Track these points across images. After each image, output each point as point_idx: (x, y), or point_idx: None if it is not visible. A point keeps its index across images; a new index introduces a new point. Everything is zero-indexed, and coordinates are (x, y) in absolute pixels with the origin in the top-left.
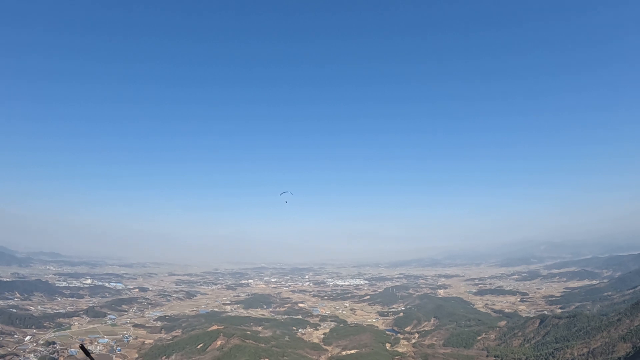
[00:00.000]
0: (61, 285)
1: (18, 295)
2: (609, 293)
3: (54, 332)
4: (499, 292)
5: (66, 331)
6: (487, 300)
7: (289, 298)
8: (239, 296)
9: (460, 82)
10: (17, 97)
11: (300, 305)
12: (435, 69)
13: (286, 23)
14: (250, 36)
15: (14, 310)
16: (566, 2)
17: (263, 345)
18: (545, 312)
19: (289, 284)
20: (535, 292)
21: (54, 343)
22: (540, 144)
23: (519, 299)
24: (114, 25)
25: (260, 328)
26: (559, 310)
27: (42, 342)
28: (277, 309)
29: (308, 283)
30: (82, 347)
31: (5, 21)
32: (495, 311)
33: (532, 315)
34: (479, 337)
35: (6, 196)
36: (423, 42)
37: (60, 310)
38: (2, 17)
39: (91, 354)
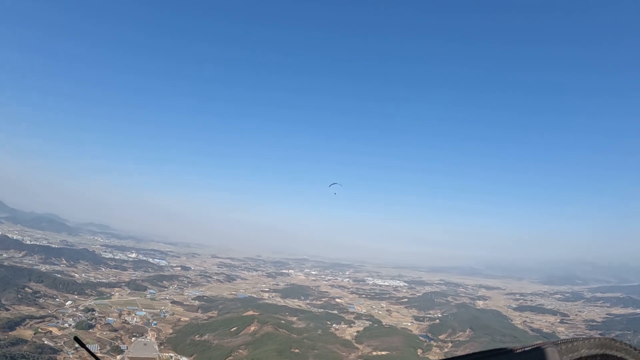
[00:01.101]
0: (106, 257)
1: (64, 261)
2: None
3: (94, 299)
4: (539, 310)
5: (106, 300)
6: (526, 317)
7: (326, 292)
8: (277, 285)
9: (529, 95)
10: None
11: (337, 300)
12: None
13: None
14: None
15: (59, 275)
16: None
17: (295, 335)
18: (584, 336)
19: (329, 278)
20: (576, 315)
21: (92, 310)
22: (597, 166)
23: (558, 320)
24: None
25: (294, 318)
26: (598, 337)
27: (81, 308)
28: (314, 302)
29: (347, 279)
30: (77, 339)
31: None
32: (532, 329)
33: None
34: None
35: (65, 170)
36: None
37: (103, 280)
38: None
39: (87, 346)
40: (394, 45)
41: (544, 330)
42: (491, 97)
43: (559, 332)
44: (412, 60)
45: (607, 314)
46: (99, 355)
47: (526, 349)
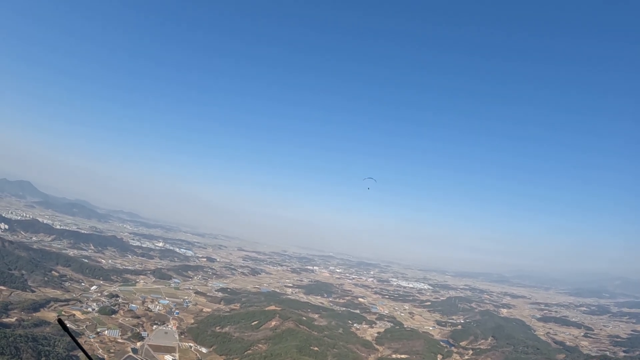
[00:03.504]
0: (134, 244)
1: (92, 247)
2: None
3: (119, 286)
4: (564, 322)
5: (131, 287)
6: (550, 328)
7: (350, 291)
8: (301, 281)
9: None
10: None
11: (360, 299)
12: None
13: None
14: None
15: (86, 260)
16: None
17: (316, 333)
18: (608, 352)
19: (353, 277)
20: (601, 329)
21: (117, 296)
22: (626, 182)
23: (582, 333)
24: None
25: (316, 316)
26: (622, 354)
27: (106, 294)
28: (337, 300)
29: (372, 279)
30: (60, 321)
31: None
32: (555, 342)
33: (593, 354)
34: None
35: (99, 157)
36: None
37: (129, 267)
38: None
39: (69, 330)
40: (420, 53)
41: (567, 343)
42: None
43: (582, 347)
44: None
45: (632, 330)
46: (119, 340)
47: None
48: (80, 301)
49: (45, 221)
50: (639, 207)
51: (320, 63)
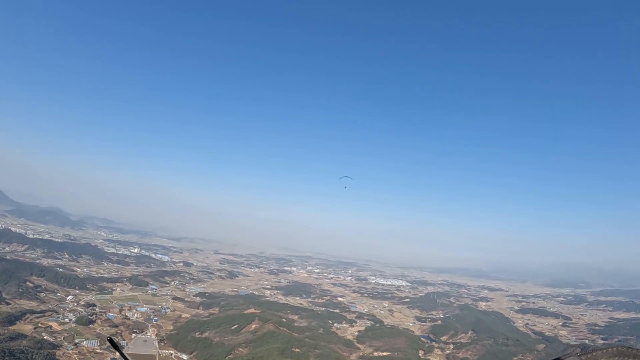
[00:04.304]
0: (109, 251)
1: (67, 256)
2: None
3: (95, 294)
4: (542, 312)
5: (107, 295)
6: (528, 319)
7: (329, 290)
8: (280, 282)
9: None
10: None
11: (339, 299)
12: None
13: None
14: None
15: (61, 269)
16: None
17: (296, 334)
18: (587, 341)
19: (331, 276)
20: (578, 318)
21: (93, 305)
22: (607, 173)
23: (560, 323)
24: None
25: (296, 317)
26: (600, 341)
27: (82, 303)
28: (316, 300)
29: (350, 278)
30: (111, 341)
31: None
32: (535, 332)
33: (572, 343)
34: (515, 358)
35: (68, 163)
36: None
37: (105, 275)
38: None
39: (121, 349)
40: (412, 49)
41: (547, 333)
42: (499, 103)
43: (561, 336)
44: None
45: (609, 318)
46: (97, 350)
47: None
48: (56, 312)
49: (17, 230)
50: (613, 199)
51: (297, 60)
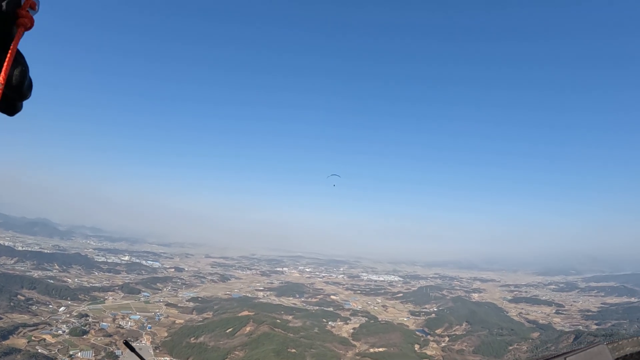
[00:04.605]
0: (99, 260)
1: (57, 267)
2: None
3: (88, 304)
4: (534, 301)
5: (100, 305)
6: (522, 309)
7: (322, 289)
8: (272, 283)
9: (521, 90)
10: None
11: (332, 297)
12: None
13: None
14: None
15: (51, 281)
16: None
17: (292, 335)
18: (581, 327)
19: (323, 275)
20: (571, 305)
21: (86, 315)
22: (593, 159)
23: (554, 310)
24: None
25: (290, 317)
26: (594, 327)
27: (75, 314)
28: (309, 300)
29: (342, 275)
30: (127, 344)
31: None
32: (528, 321)
33: (566, 330)
34: (510, 348)
35: (53, 170)
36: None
37: (96, 284)
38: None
39: (137, 350)
40: (378, 43)
41: (540, 321)
42: (482, 93)
43: (554, 323)
44: (402, 60)
45: (602, 304)
46: None
47: (577, 352)
48: (49, 324)
49: (6, 243)
50: (599, 184)
51: (277, 60)
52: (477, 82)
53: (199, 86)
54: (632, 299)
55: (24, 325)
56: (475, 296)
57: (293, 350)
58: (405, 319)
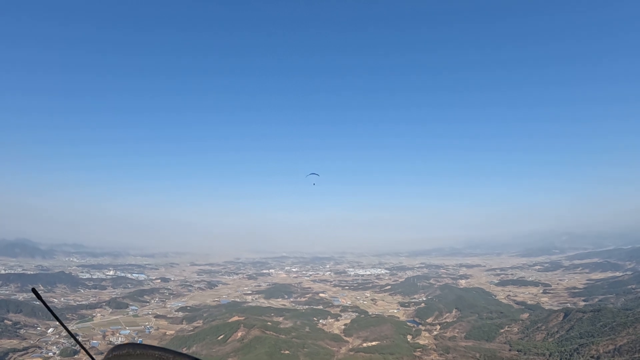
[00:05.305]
0: (84, 277)
1: (41, 287)
2: (633, 286)
3: (76, 323)
4: (521, 283)
5: (89, 322)
6: (509, 291)
7: (309, 288)
8: (260, 286)
9: (495, 71)
10: (37, 90)
11: (321, 295)
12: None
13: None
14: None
15: (37, 303)
16: None
17: (283, 336)
18: (569, 304)
19: (310, 273)
20: (557, 284)
21: (76, 335)
22: (560, 136)
23: (541, 290)
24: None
25: (281, 319)
26: (582, 303)
27: (64, 335)
28: (298, 299)
29: (329, 272)
30: (34, 291)
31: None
32: (517, 303)
33: (555, 308)
34: (502, 330)
35: (28, 188)
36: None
37: (83, 302)
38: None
39: (42, 298)
40: (356, 37)
41: (529, 302)
42: (451, 77)
43: (543, 303)
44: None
45: (587, 280)
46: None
47: None
48: (39, 347)
49: None
50: (579, 162)
51: (247, 62)
52: (444, 65)
53: (170, 95)
54: (617, 273)
55: (14, 350)
56: (463, 282)
57: (286, 352)
58: (395, 311)
